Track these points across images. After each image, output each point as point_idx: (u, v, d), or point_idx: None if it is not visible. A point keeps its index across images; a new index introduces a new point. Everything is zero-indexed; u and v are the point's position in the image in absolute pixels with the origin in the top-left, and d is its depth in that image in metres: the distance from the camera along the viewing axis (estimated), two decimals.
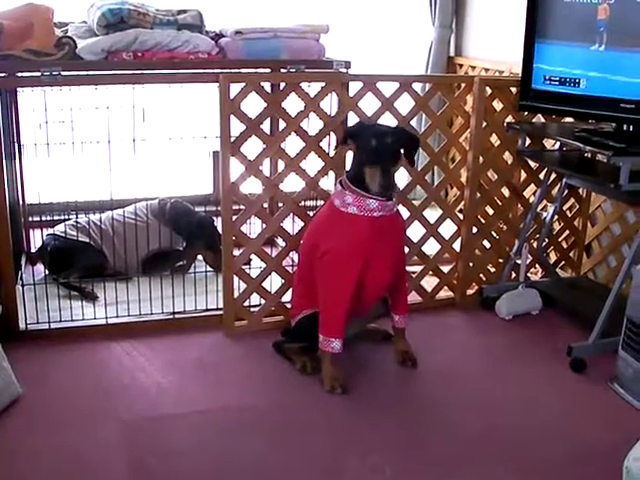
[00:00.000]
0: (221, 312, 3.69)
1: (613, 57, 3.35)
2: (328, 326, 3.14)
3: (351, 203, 3.09)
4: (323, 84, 3.59)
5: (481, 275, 4.13)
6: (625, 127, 3.42)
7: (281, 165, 3.75)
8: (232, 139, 3.45)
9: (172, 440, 2.81)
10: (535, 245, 4.17)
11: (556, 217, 4.20)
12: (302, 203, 3.70)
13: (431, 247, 3.99)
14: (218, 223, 3.94)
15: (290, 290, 3.58)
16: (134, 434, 2.84)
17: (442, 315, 3.97)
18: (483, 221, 4.05)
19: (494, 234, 4.10)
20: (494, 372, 3.41)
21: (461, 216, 4.01)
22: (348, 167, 3.30)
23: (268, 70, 3.87)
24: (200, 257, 4.40)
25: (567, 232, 4.34)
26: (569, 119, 3.96)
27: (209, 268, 4.27)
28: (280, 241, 4.15)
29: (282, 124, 3.67)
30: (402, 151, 3.15)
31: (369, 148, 3.06)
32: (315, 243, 3.20)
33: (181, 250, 4.37)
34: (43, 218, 3.96)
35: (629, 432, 2.33)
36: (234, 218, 3.57)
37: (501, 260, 4.13)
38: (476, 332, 3.84)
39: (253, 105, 3.49)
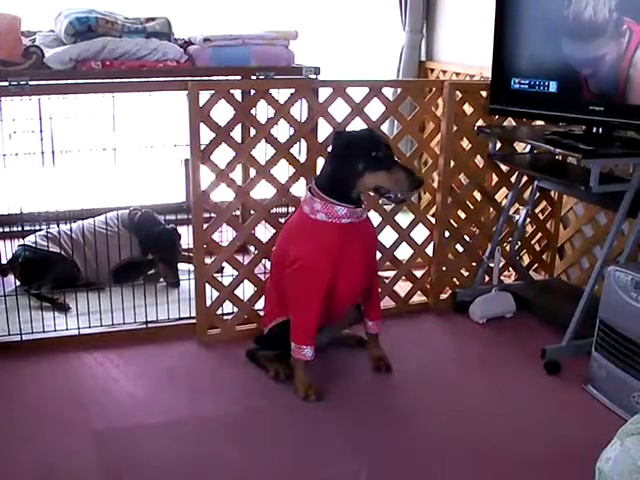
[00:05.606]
0: (194, 321, 3.67)
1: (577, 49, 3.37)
2: (299, 334, 3.13)
3: (319, 210, 3.08)
4: (293, 90, 3.59)
5: (454, 279, 4.14)
6: (595, 129, 3.44)
7: (252, 172, 3.73)
8: (202, 147, 3.44)
9: (146, 450, 2.78)
10: (508, 248, 4.18)
11: (528, 220, 4.21)
12: (273, 210, 3.69)
13: (404, 252, 3.99)
14: (186, 234, 3.90)
15: (263, 298, 3.56)
16: (108, 445, 2.81)
17: (416, 320, 3.97)
18: (455, 225, 4.05)
19: (466, 238, 4.11)
20: (469, 376, 3.41)
21: (433, 220, 4.00)
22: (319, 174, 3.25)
23: (238, 77, 3.85)
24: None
25: (539, 235, 4.37)
26: (540, 122, 3.98)
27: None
28: (252, 249, 4.14)
29: (252, 131, 3.66)
30: None
31: (382, 155, 3.02)
32: (285, 250, 3.18)
33: (153, 259, 4.33)
34: (13, 229, 3.92)
35: (603, 433, 2.32)
36: (205, 226, 3.55)
37: (474, 264, 4.14)
38: (450, 336, 3.84)
39: (223, 113, 3.47)
